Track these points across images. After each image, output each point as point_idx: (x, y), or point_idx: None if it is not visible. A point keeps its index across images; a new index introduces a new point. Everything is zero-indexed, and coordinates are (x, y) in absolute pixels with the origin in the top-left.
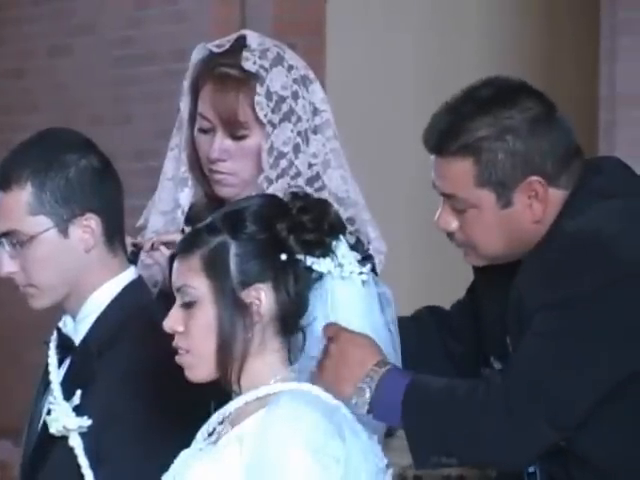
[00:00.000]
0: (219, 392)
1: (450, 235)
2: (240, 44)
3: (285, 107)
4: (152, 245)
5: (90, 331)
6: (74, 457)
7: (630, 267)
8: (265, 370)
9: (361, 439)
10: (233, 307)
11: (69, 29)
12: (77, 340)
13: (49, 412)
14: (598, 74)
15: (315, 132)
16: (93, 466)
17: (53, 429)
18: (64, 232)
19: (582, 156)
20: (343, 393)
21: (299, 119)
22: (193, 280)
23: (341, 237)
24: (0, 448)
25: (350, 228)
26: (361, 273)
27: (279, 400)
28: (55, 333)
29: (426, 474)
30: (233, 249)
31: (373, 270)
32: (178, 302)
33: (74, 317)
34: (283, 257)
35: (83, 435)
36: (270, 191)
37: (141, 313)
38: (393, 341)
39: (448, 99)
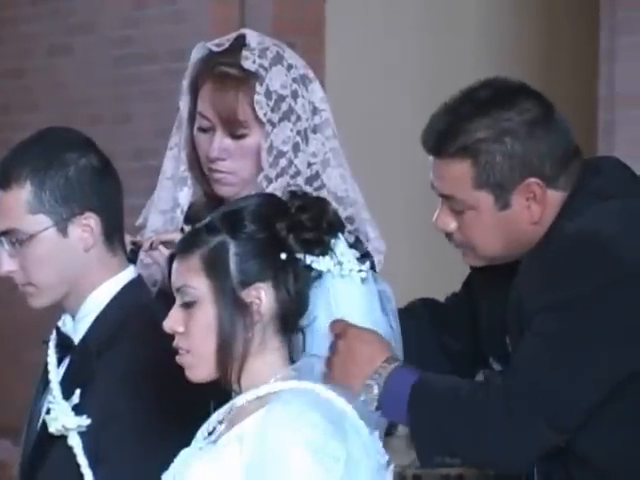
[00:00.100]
0: (219, 392)
1: (448, 236)
2: (240, 43)
3: (284, 106)
4: (151, 244)
5: (89, 330)
6: (73, 456)
7: (630, 267)
8: (265, 369)
9: (363, 436)
10: (233, 307)
11: (68, 28)
12: (76, 339)
13: (48, 411)
14: (597, 74)
15: (314, 131)
16: (92, 465)
17: (52, 428)
18: (63, 231)
19: (581, 157)
20: (352, 390)
21: (298, 118)
22: (193, 280)
23: (340, 235)
24: None
25: (349, 227)
26: (360, 271)
27: (279, 399)
28: (54, 332)
29: (425, 473)
30: (232, 249)
31: (372, 268)
32: (178, 302)
33: (73, 316)
34: (283, 256)
35: (82, 434)
36: (269, 190)
37: (140, 312)
38: (395, 338)
39: (447, 99)
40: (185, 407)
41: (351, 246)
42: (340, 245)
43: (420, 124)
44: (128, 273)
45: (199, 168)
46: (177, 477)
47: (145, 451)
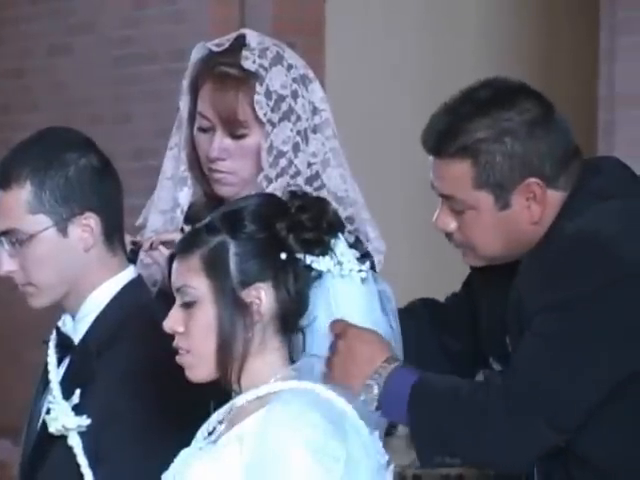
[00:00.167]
0: (219, 392)
1: (448, 235)
2: (240, 43)
3: (284, 106)
4: (151, 244)
5: (89, 330)
6: (73, 456)
7: (629, 267)
8: (265, 369)
9: (363, 436)
10: (233, 307)
11: (68, 28)
12: (76, 339)
13: (48, 411)
14: (597, 74)
15: (314, 131)
16: (92, 465)
17: (52, 428)
18: (63, 231)
19: (581, 157)
20: (352, 390)
21: (298, 118)
22: (193, 280)
23: (340, 235)
24: None
25: (349, 227)
26: (360, 271)
27: (279, 399)
28: (54, 332)
29: (425, 473)
30: (232, 249)
31: (372, 268)
32: (178, 302)
33: (73, 316)
34: (283, 256)
35: (82, 434)
36: (269, 190)
37: (140, 312)
38: (395, 338)
39: (447, 99)
40: (185, 407)
41: (351, 246)
42: (340, 245)
43: (420, 124)
44: (128, 273)
45: (199, 168)
46: (177, 477)
47: (145, 451)
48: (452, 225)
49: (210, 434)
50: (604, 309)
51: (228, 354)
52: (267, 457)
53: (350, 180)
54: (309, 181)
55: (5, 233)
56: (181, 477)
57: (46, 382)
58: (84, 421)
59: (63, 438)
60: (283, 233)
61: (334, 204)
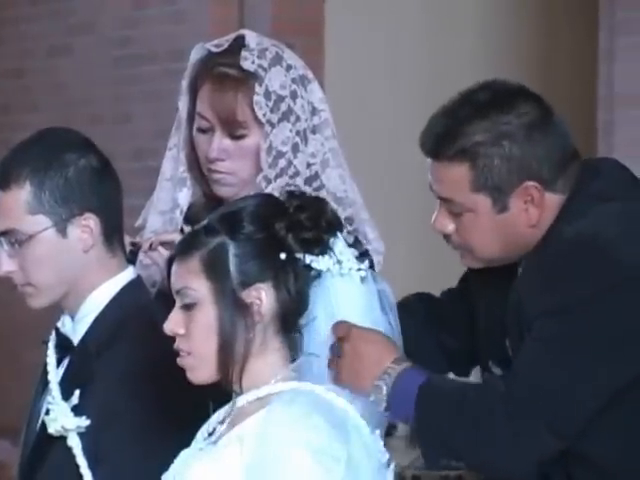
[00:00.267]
0: (218, 392)
1: (446, 237)
2: (239, 44)
3: (284, 106)
4: (150, 245)
5: (89, 331)
6: (72, 457)
7: (629, 271)
8: (266, 370)
9: (364, 436)
10: (234, 308)
11: (68, 29)
12: (76, 340)
13: (48, 412)
14: (596, 74)
15: (314, 132)
16: (92, 466)
17: (51, 429)
18: (63, 232)
19: (579, 159)
20: (361, 391)
21: (298, 119)
22: (193, 282)
23: (338, 234)
24: None
25: (348, 228)
26: (359, 269)
27: (281, 400)
28: (54, 333)
29: (424, 474)
30: (232, 250)
31: (371, 267)
32: (178, 304)
33: (73, 317)
34: (282, 256)
35: (82, 435)
36: (268, 190)
37: (140, 313)
38: (395, 337)
39: (446, 101)
40: (184, 407)
41: (350, 246)
42: (339, 244)
43: (419, 124)
44: (127, 274)
45: (198, 169)
46: (177, 478)
47: (144, 451)
48: (450, 227)
49: (210, 435)
50: (604, 313)
51: (229, 355)
52: (268, 458)
53: (349, 180)
54: (308, 181)
55: (4, 233)
56: (181, 478)
57: (45, 383)
58: (83, 422)
59: (62, 439)
60: (282, 233)
61: (333, 204)
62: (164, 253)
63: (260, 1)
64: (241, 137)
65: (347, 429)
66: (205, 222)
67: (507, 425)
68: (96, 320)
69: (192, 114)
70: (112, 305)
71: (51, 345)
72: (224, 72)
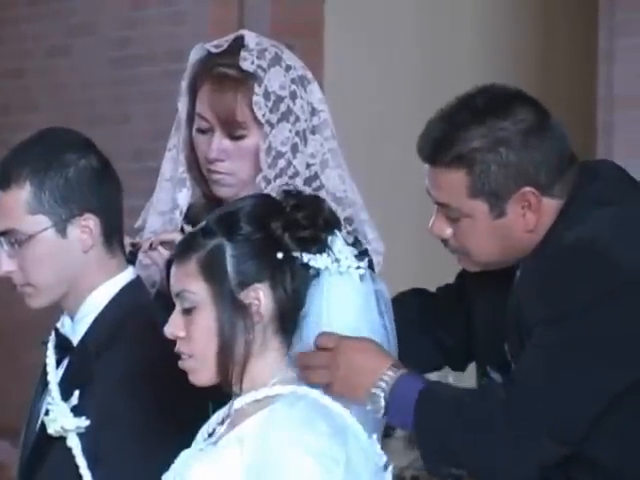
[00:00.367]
0: (218, 393)
1: (444, 242)
2: (238, 44)
3: (283, 107)
4: (150, 245)
5: (88, 331)
6: (72, 458)
7: (628, 275)
8: (266, 370)
9: (361, 440)
10: (232, 309)
11: (68, 29)
12: (75, 340)
13: (47, 413)
14: (596, 75)
15: (313, 132)
16: (91, 466)
17: (51, 430)
18: (62, 232)
19: (576, 163)
20: (356, 401)
21: (297, 119)
22: (191, 285)
23: (337, 232)
24: None
25: (348, 228)
26: (358, 267)
27: (279, 403)
28: (53, 333)
29: (423, 475)
30: (229, 251)
31: (370, 267)
32: (178, 308)
33: (72, 317)
34: (279, 256)
35: (81, 436)
36: (268, 191)
37: (139, 313)
38: (389, 337)
39: (443, 105)
40: (184, 408)
41: (350, 246)
42: (338, 242)
43: (418, 125)
44: (127, 274)
45: (198, 169)
46: (177, 478)
47: (144, 452)
48: (447, 232)
49: (210, 435)
50: (603, 318)
51: (229, 356)
52: (268, 459)
53: (349, 181)
54: (308, 182)
55: (4, 233)
56: (181, 478)
57: (45, 383)
58: (83, 422)
59: (62, 439)
60: (278, 232)
61: (333, 205)
62: (164, 253)
63: (260, 2)
64: (240, 137)
65: (345, 433)
66: (203, 224)
67: (507, 431)
68: (95, 321)
69: (191, 115)
70: (112, 305)
71: (50, 346)
72: (223, 72)
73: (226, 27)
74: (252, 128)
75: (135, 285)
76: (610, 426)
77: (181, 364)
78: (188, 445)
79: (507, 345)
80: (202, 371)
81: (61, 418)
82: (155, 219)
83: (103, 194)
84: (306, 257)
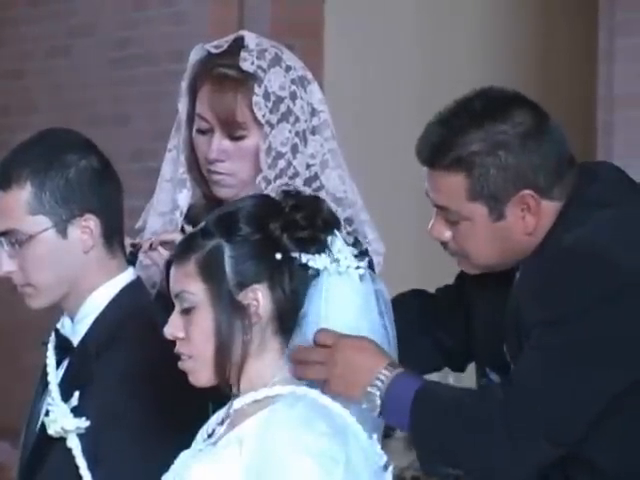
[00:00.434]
0: (217, 393)
1: (443, 244)
2: (238, 45)
3: (283, 107)
4: (151, 245)
5: (88, 332)
6: (72, 458)
7: (627, 277)
8: (265, 371)
9: (361, 440)
10: (230, 309)
11: (68, 30)
12: (75, 341)
13: (47, 413)
14: (596, 75)
15: (313, 133)
16: (91, 467)
17: (51, 430)
18: (63, 232)
19: (575, 165)
20: (352, 399)
21: (297, 119)
22: (190, 286)
23: (336, 232)
24: None
25: (348, 228)
26: (358, 267)
27: (279, 404)
28: (53, 334)
29: (424, 476)
30: (228, 252)
31: (371, 267)
32: (177, 308)
33: (72, 318)
34: (278, 256)
35: (81, 436)
36: (268, 192)
37: (139, 314)
38: (389, 337)
39: (442, 109)
40: (184, 408)
41: (350, 246)
42: (337, 242)
43: (418, 125)
44: (127, 275)
45: (198, 170)
46: (177, 479)
47: (144, 452)
48: (447, 234)
49: (210, 436)
50: (602, 320)
51: (226, 357)
52: (267, 459)
53: (349, 181)
54: (308, 182)
55: (5, 234)
56: (181, 479)
57: (45, 384)
58: (83, 423)
59: (62, 440)
60: (277, 233)
61: (333, 205)
62: (164, 253)
63: (260, 2)
64: (240, 138)
65: (345, 433)
66: (202, 224)
67: (505, 432)
68: (96, 321)
69: (192, 115)
70: (112, 306)
71: (51, 346)
72: (223, 73)
73: (226, 27)
74: (252, 129)
75: (135, 286)
76: (608, 427)
77: (181, 365)
78: (188, 446)
79: (506, 346)
80: (201, 372)
81: (61, 419)
82: (155, 220)
83: (104, 195)
84: (305, 257)
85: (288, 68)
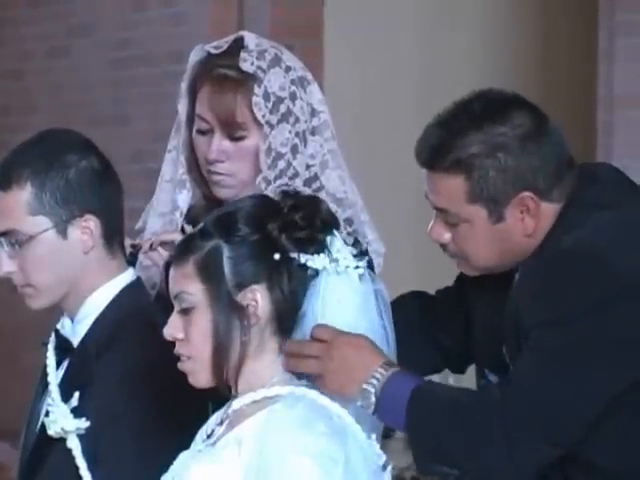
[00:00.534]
0: (217, 394)
1: (443, 246)
2: (238, 45)
3: (283, 108)
4: (151, 245)
5: (88, 332)
6: (72, 459)
7: (627, 279)
8: (263, 372)
9: (359, 440)
10: (229, 310)
11: (68, 30)
12: (75, 342)
13: (47, 414)
14: (596, 75)
15: (313, 133)
16: (91, 468)
17: (51, 431)
18: (63, 233)
19: (575, 167)
20: (347, 396)
21: (297, 120)
22: (189, 286)
23: (336, 232)
24: None
25: (348, 229)
26: (357, 267)
27: (278, 404)
28: (53, 335)
29: (424, 476)
30: (226, 252)
31: (370, 267)
32: (176, 309)
33: (72, 318)
34: (276, 257)
35: (81, 437)
36: (268, 192)
37: (139, 314)
38: (388, 337)
39: (441, 111)
40: (184, 409)
41: (349, 246)
42: (337, 242)
43: (418, 125)
44: (127, 276)
45: (198, 170)
46: (176, 479)
47: (144, 453)
48: (446, 236)
49: (209, 436)
50: (602, 322)
51: (224, 358)
52: (267, 460)
53: (349, 182)
54: (308, 183)
55: (5, 234)
56: (180, 479)
57: (45, 384)
58: (83, 423)
59: (62, 441)
60: (275, 233)
61: (333, 206)
62: (164, 254)
63: (259, 3)
64: (240, 138)
65: (344, 433)
66: (201, 225)
67: (502, 432)
68: (96, 322)
69: (191, 116)
70: (112, 307)
71: (51, 347)
72: (223, 74)
73: (226, 28)
74: (252, 129)
75: (135, 286)
76: (608, 428)
77: (180, 366)
78: (188, 446)
79: (505, 348)
80: (201, 373)
81: (61, 419)
82: (155, 220)
83: (104, 195)
84: (303, 258)
85: (288, 69)
